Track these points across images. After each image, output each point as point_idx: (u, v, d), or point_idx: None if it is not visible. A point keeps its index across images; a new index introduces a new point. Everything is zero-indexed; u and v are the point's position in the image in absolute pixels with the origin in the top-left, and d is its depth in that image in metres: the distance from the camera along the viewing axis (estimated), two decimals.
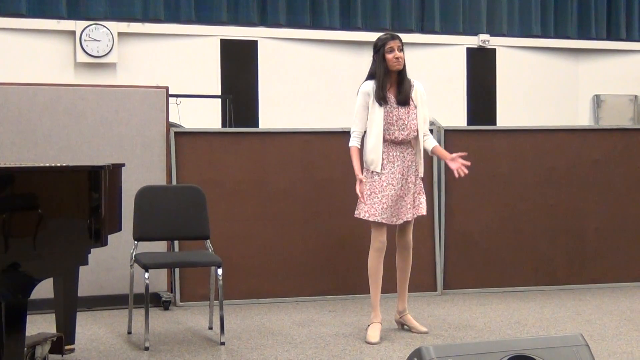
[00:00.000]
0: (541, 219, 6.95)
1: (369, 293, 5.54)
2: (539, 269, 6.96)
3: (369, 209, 5.32)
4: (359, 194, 5.27)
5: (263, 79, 11.16)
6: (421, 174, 5.43)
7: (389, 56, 5.29)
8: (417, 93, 5.41)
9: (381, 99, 5.28)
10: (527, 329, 5.60)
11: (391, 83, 5.36)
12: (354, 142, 5.37)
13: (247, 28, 11.05)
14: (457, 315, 5.99)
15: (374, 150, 5.31)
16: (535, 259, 6.96)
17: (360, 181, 5.26)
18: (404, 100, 5.33)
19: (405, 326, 5.54)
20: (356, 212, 5.42)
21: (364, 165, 5.36)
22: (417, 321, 5.54)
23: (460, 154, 5.42)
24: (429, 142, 5.48)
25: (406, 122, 5.34)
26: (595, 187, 7.04)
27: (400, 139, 5.33)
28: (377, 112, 5.29)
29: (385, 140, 5.31)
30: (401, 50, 5.32)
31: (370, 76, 5.39)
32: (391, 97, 5.34)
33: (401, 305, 5.54)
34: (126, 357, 4.93)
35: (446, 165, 6.67)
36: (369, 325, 5.43)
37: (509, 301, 6.49)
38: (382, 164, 5.30)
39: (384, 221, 5.32)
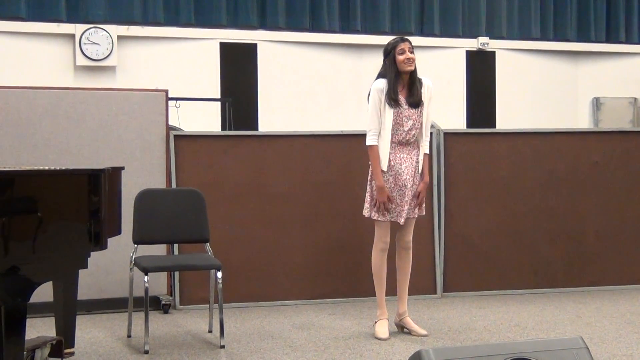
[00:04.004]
0: (541, 221, 6.95)
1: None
2: (539, 272, 6.96)
3: (377, 209, 5.36)
4: (382, 205, 5.31)
5: (263, 82, 11.16)
6: (420, 169, 5.48)
7: (400, 57, 5.33)
8: (427, 90, 5.46)
9: (392, 100, 5.32)
10: (527, 331, 5.60)
11: (402, 85, 5.40)
12: (373, 141, 5.37)
13: (247, 31, 11.06)
14: (457, 318, 5.99)
15: (382, 150, 5.34)
16: (535, 261, 6.95)
17: (383, 190, 5.30)
18: (415, 102, 5.38)
19: (405, 329, 5.54)
20: (364, 211, 5.46)
21: None
22: (417, 324, 5.54)
23: (420, 199, 5.48)
24: (422, 148, 5.49)
25: (416, 124, 5.38)
26: (595, 190, 7.04)
27: (407, 139, 5.37)
28: (387, 113, 5.33)
29: (393, 142, 5.35)
30: (412, 52, 5.36)
31: (381, 76, 5.42)
32: (402, 99, 5.37)
33: (401, 307, 5.54)
34: None
35: (446, 168, 6.72)
36: (376, 322, 5.47)
37: (508, 304, 6.48)
38: (389, 165, 5.34)
39: (392, 220, 5.36)
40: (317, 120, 10.98)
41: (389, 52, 5.39)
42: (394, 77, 5.35)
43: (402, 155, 5.38)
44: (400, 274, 5.56)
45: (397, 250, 5.55)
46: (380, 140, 5.36)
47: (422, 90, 5.44)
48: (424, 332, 5.47)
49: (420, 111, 5.42)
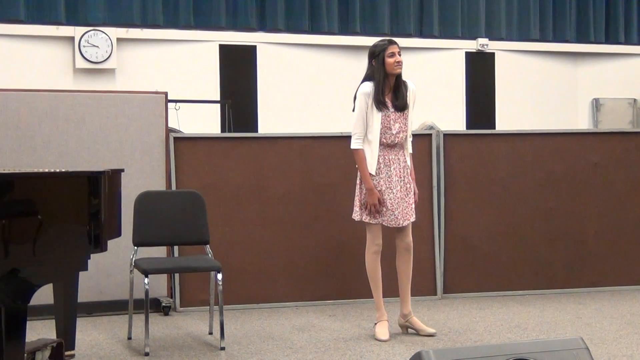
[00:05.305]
0: (541, 222, 6.95)
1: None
2: (539, 273, 6.96)
3: (368, 212, 5.36)
4: (373, 207, 5.33)
5: (262, 84, 11.17)
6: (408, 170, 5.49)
7: (390, 60, 5.31)
8: (411, 93, 5.46)
9: (380, 103, 5.31)
10: (527, 332, 5.60)
11: (389, 88, 5.39)
12: (358, 145, 5.38)
13: (246, 33, 11.07)
14: (457, 320, 5.99)
15: (371, 154, 5.34)
16: (535, 262, 6.95)
17: (372, 192, 5.30)
18: (401, 105, 5.37)
19: (410, 329, 5.52)
20: (354, 215, 5.46)
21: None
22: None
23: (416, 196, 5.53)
24: (408, 149, 5.51)
25: (402, 126, 5.37)
26: (595, 191, 7.04)
27: (395, 142, 5.36)
28: (375, 116, 5.32)
29: (381, 144, 5.34)
30: (400, 54, 5.36)
31: (367, 78, 5.41)
32: (388, 102, 5.36)
33: (405, 308, 5.53)
34: None
35: (445, 169, 6.72)
36: (376, 324, 5.46)
37: (509, 305, 6.48)
38: (378, 168, 5.34)
39: (384, 224, 5.36)
40: (317, 121, 10.99)
41: (378, 54, 5.37)
42: (382, 79, 5.34)
43: (390, 157, 5.38)
44: (401, 275, 5.54)
45: (397, 252, 5.53)
46: (368, 144, 5.35)
47: (407, 94, 5.43)
48: (431, 330, 5.45)
49: (406, 114, 5.41)
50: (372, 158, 5.35)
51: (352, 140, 5.39)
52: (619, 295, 6.83)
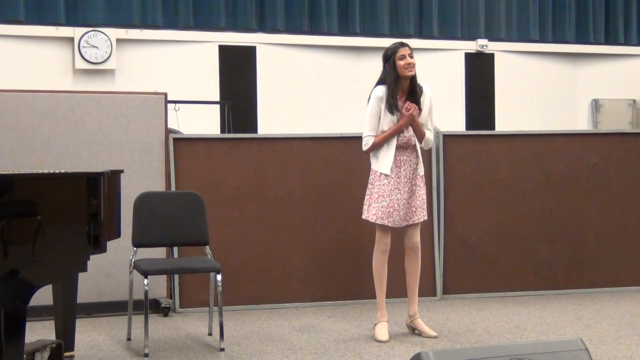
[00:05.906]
0: (540, 223, 6.95)
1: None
2: (539, 274, 6.96)
3: (376, 212, 5.36)
4: (412, 114, 5.31)
5: (262, 84, 11.16)
6: (422, 172, 5.47)
7: (401, 63, 5.31)
8: (427, 98, 5.46)
9: (392, 107, 5.31)
10: (527, 333, 5.60)
11: (402, 91, 5.39)
12: (369, 145, 5.38)
13: (246, 34, 11.07)
14: (457, 320, 5.99)
15: (385, 156, 5.34)
16: (535, 263, 6.95)
17: (404, 121, 5.30)
18: None
19: (415, 330, 5.53)
20: (364, 214, 5.46)
21: (373, 167, 5.40)
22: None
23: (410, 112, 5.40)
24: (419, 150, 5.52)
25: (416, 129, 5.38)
26: (594, 192, 7.04)
27: (408, 144, 5.38)
28: (389, 120, 5.32)
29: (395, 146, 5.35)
30: (412, 57, 5.35)
31: (381, 82, 5.41)
32: (401, 104, 5.36)
33: (412, 309, 5.54)
34: None
35: (445, 169, 6.72)
36: (376, 324, 5.47)
37: (508, 306, 6.48)
38: (390, 168, 5.34)
39: (390, 224, 5.36)
40: (317, 122, 10.99)
41: (389, 58, 5.37)
42: (393, 82, 5.34)
43: (402, 159, 5.39)
44: (409, 276, 5.54)
45: (405, 252, 5.54)
46: (383, 147, 5.35)
47: (423, 99, 5.43)
48: (434, 333, 5.46)
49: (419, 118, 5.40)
50: (387, 160, 5.34)
51: (363, 142, 5.41)
52: (619, 296, 6.83)
